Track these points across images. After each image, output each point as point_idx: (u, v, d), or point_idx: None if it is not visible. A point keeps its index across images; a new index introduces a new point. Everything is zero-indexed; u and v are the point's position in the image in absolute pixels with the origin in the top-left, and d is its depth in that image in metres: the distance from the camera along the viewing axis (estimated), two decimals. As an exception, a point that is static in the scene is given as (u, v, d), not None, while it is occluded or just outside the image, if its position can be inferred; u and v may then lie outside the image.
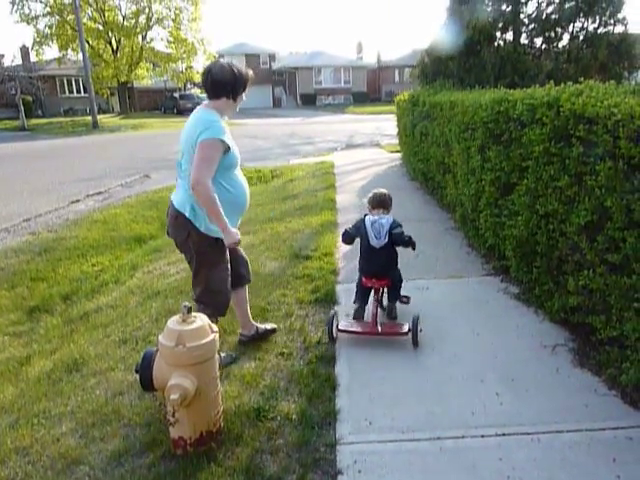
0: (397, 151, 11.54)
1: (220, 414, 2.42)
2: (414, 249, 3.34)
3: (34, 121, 31.83)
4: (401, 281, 3.52)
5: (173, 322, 2.26)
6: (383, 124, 20.82)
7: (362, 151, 13.65)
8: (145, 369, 2.27)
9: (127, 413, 2.67)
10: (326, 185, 8.44)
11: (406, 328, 3.17)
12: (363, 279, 3.40)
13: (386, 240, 3.25)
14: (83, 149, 18.43)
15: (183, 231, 2.77)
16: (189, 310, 2.27)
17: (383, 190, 3.56)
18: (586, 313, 2.91)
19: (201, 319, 2.30)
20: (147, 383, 2.28)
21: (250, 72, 2.86)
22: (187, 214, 2.72)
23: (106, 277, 5.51)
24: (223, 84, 2.72)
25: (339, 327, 3.26)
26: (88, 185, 10.63)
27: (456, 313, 3.60)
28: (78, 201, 9.31)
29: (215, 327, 2.36)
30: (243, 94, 2.83)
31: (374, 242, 3.26)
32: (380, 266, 3.31)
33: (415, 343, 3.15)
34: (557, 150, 3.01)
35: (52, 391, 3.10)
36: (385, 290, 3.52)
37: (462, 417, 2.49)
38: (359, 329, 3.30)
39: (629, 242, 2.38)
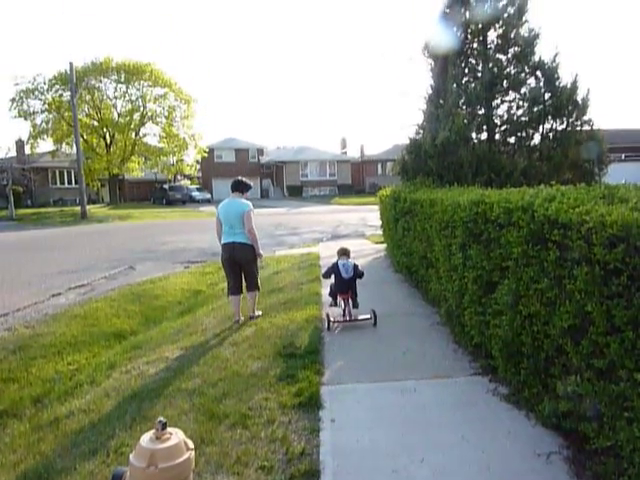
0: (381, 242, 11.73)
1: (193, 542, 2.22)
2: (362, 277, 5.86)
3: (22, 211, 32.17)
4: (356, 293, 5.83)
5: (146, 440, 2.13)
6: (367, 215, 21.36)
7: (347, 242, 13.79)
8: (113, 493, 2.11)
9: (91, 541, 2.44)
10: (311, 278, 8.44)
11: (368, 316, 5.60)
12: (338, 294, 5.81)
13: (352, 274, 5.74)
14: (69, 240, 18.46)
15: (250, 252, 5.98)
16: (164, 426, 2.15)
17: (347, 246, 6.16)
18: (578, 419, 2.81)
19: (177, 435, 2.18)
20: (114, 509, 2.11)
21: (251, 183, 6.45)
22: (249, 243, 5.93)
23: (81, 377, 5.29)
24: (243, 187, 6.18)
25: (331, 321, 5.50)
26: (71, 277, 10.51)
27: (444, 418, 3.46)
28: (59, 294, 9.15)
29: (191, 444, 2.22)
30: (248, 192, 6.27)
31: (345, 276, 5.71)
32: (347, 287, 5.76)
33: (375, 324, 5.53)
34: (535, 253, 3.06)
35: (11, 513, 2.85)
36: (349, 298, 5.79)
37: (455, 541, 2.31)
38: (342, 319, 5.61)
39: (613, 348, 2.36)
